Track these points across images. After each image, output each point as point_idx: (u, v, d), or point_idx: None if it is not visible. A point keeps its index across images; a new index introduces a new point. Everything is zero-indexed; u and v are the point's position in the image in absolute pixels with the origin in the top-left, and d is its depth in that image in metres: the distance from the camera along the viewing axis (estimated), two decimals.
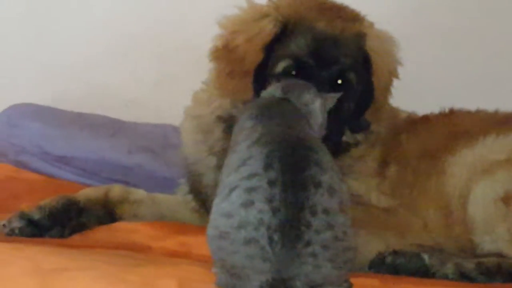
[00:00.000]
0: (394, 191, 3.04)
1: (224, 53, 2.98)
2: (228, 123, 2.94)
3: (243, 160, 2.18)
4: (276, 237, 2.03)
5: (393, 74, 3.09)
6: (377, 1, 4.20)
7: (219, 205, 2.15)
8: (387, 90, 3.08)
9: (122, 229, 2.99)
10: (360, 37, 2.99)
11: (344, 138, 2.99)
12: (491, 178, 2.88)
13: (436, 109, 3.28)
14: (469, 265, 2.68)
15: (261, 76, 2.90)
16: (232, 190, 2.12)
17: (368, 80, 3.00)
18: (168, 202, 3.30)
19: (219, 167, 2.98)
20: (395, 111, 3.26)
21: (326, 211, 2.08)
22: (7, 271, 2.24)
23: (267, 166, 2.12)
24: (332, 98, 2.61)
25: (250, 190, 2.09)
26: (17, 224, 2.84)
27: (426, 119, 3.26)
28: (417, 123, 3.23)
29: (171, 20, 4.56)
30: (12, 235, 2.82)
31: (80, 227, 2.99)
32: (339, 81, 2.92)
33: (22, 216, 2.87)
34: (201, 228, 2.59)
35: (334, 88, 2.88)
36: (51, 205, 2.95)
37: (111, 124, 4.28)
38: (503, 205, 2.82)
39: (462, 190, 2.95)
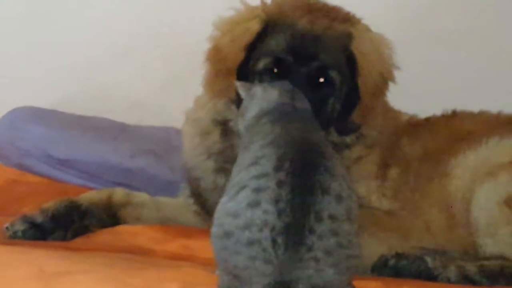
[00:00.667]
0: (396, 194, 3.04)
1: (213, 54, 3.02)
2: (224, 126, 2.97)
3: (255, 158, 2.19)
4: (280, 239, 2.04)
5: (386, 76, 3.06)
6: (377, 4, 4.21)
7: (225, 204, 2.15)
8: (376, 92, 3.04)
9: (124, 232, 2.99)
10: (346, 37, 2.98)
11: (332, 138, 2.97)
12: (494, 181, 2.88)
13: (438, 111, 3.28)
14: (472, 268, 2.68)
15: (244, 75, 2.92)
16: (240, 189, 2.12)
17: (354, 80, 2.98)
18: (171, 206, 3.30)
19: (217, 170, 3.01)
20: (396, 114, 3.26)
21: (332, 218, 2.08)
22: (10, 274, 2.25)
23: (278, 167, 2.13)
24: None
25: (258, 190, 2.09)
26: (20, 227, 2.85)
27: (428, 121, 3.26)
28: (419, 125, 3.23)
29: (176, 21, 4.55)
30: (15, 238, 2.83)
31: (83, 230, 2.99)
32: (321, 80, 2.92)
33: (25, 219, 2.87)
34: (204, 231, 2.60)
35: (316, 86, 2.89)
36: (54, 208, 2.95)
37: (114, 127, 4.28)
38: (507, 207, 2.81)
39: (465, 193, 2.94)
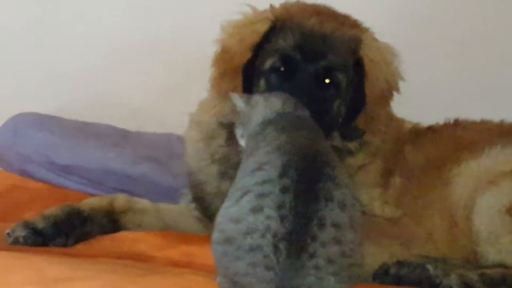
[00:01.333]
0: (398, 202, 3.04)
1: (220, 55, 3.03)
2: (230, 129, 2.96)
3: (259, 164, 2.18)
4: (281, 246, 2.03)
5: (392, 86, 3.07)
6: (379, 11, 4.21)
7: (228, 209, 2.15)
8: (382, 100, 3.05)
9: (126, 239, 2.99)
10: (354, 42, 2.99)
11: (334, 143, 2.96)
12: (496, 189, 2.88)
13: (441, 120, 3.28)
14: (473, 276, 2.68)
15: (250, 75, 2.94)
16: (244, 194, 2.12)
17: (360, 86, 2.99)
18: (172, 212, 3.30)
19: (221, 175, 3.01)
20: (400, 122, 3.26)
21: (335, 226, 2.08)
22: (11, 280, 2.24)
23: (283, 174, 2.13)
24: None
25: (261, 196, 2.09)
26: (21, 233, 2.84)
27: (431, 129, 3.26)
28: (422, 134, 3.23)
29: (177, 28, 4.56)
30: (16, 244, 2.83)
31: (84, 236, 2.99)
32: (327, 81, 2.92)
33: (26, 225, 2.87)
34: (205, 238, 2.60)
35: (322, 87, 2.90)
36: (56, 214, 2.95)
37: (116, 133, 4.28)
38: (508, 216, 2.82)
39: (467, 201, 2.94)
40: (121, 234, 3.05)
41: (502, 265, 2.77)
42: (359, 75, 2.99)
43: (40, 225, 2.89)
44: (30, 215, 3.02)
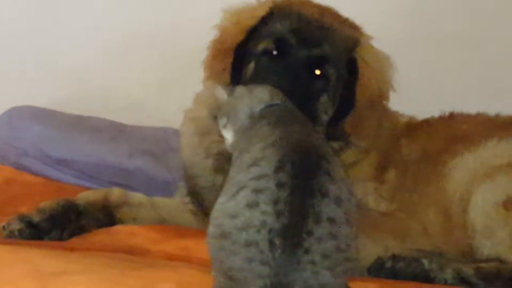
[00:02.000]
0: (393, 196, 3.03)
1: (216, 38, 3.04)
2: None
3: (255, 160, 2.18)
4: (277, 241, 2.03)
5: (383, 94, 3.06)
6: (375, 7, 4.21)
7: (224, 204, 2.15)
8: (370, 104, 3.03)
9: (121, 232, 2.99)
10: (351, 41, 2.98)
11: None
12: (492, 183, 2.88)
13: (436, 113, 3.28)
14: (469, 270, 2.68)
15: (242, 57, 2.94)
16: (240, 189, 2.12)
17: (351, 87, 2.97)
18: (168, 206, 3.30)
19: (215, 169, 3.01)
20: (394, 116, 3.25)
21: (331, 220, 2.08)
22: (6, 273, 2.25)
23: (278, 169, 2.12)
24: None
25: (257, 191, 2.09)
26: (16, 226, 2.84)
27: (426, 123, 3.26)
28: (417, 127, 3.22)
29: (174, 22, 4.55)
30: (11, 237, 2.82)
31: (80, 230, 2.99)
32: (318, 72, 2.91)
33: (22, 218, 2.87)
34: (200, 232, 2.60)
35: (312, 77, 2.89)
36: (51, 207, 2.95)
37: (112, 127, 4.28)
38: (504, 210, 2.82)
39: (462, 195, 2.94)
40: (117, 228, 3.06)
41: (497, 259, 2.77)
42: (351, 76, 2.98)
43: (36, 218, 2.88)
44: (26, 209, 3.02)
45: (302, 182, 2.11)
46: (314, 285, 2.05)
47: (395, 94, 3.09)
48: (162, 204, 3.30)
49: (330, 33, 2.94)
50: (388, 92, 3.06)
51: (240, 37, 2.97)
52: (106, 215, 3.12)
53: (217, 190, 2.70)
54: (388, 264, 2.73)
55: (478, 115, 3.25)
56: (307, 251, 2.03)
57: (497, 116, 3.23)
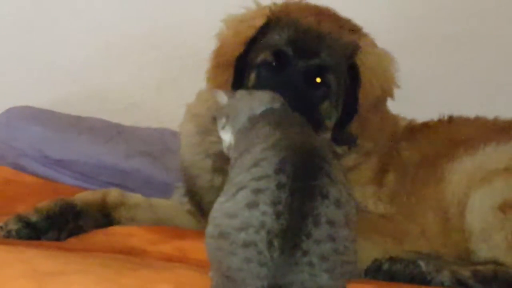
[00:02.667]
0: (392, 199, 3.03)
1: (217, 49, 3.04)
2: None
3: (256, 160, 2.17)
4: (276, 242, 2.03)
5: (386, 93, 3.06)
6: (375, 8, 4.22)
7: (223, 204, 2.14)
8: (375, 107, 3.03)
9: (118, 233, 2.99)
10: (351, 47, 2.98)
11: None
12: (489, 186, 2.88)
13: (435, 115, 3.28)
14: (466, 272, 2.69)
15: (242, 68, 2.95)
16: (239, 189, 2.11)
17: (354, 92, 2.97)
18: (165, 207, 3.30)
19: (214, 169, 3.01)
20: (395, 119, 3.25)
21: (330, 223, 2.08)
22: (3, 273, 2.24)
23: (279, 170, 2.12)
24: None
25: (257, 191, 2.08)
26: (14, 226, 2.84)
27: (426, 126, 3.26)
28: (416, 131, 3.22)
29: (172, 23, 4.56)
30: (9, 237, 2.82)
31: (77, 230, 2.99)
32: (318, 80, 2.92)
33: (19, 218, 2.87)
34: (198, 233, 2.60)
35: (312, 85, 2.89)
36: (49, 208, 2.94)
37: (110, 128, 4.28)
38: (501, 213, 2.82)
39: (460, 198, 2.95)
40: (114, 229, 3.06)
41: (494, 262, 2.77)
42: (353, 81, 2.98)
43: (33, 218, 2.88)
44: (23, 209, 3.01)
45: (303, 183, 2.11)
46: (311, 287, 2.04)
47: (395, 95, 3.09)
48: (159, 205, 3.30)
49: (329, 41, 2.94)
50: (392, 90, 3.06)
51: (240, 49, 2.98)
52: (104, 216, 3.12)
53: (216, 190, 2.71)
54: (385, 266, 2.73)
55: (477, 119, 3.25)
56: (305, 253, 2.03)
57: (496, 119, 3.23)
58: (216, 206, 2.17)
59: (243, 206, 2.08)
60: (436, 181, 3.03)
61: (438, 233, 2.96)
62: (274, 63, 2.93)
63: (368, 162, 3.06)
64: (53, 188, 3.71)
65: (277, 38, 2.94)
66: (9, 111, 4.25)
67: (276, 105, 2.52)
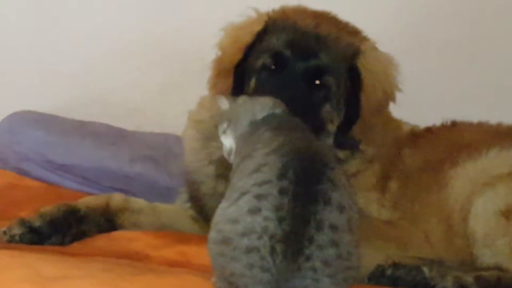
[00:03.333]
0: (395, 205, 3.03)
1: (217, 57, 3.05)
2: None
3: (258, 166, 2.18)
4: (278, 248, 2.03)
5: (389, 96, 3.06)
6: (376, 12, 4.22)
7: (225, 210, 2.15)
8: (378, 110, 3.04)
9: (121, 238, 2.99)
10: (352, 49, 2.98)
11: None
12: (492, 192, 2.88)
13: (437, 119, 3.28)
14: (469, 278, 2.68)
15: (243, 74, 2.96)
16: (242, 195, 2.12)
17: (355, 96, 2.97)
18: (168, 212, 3.30)
19: (218, 175, 3.01)
20: (398, 124, 3.25)
21: (333, 228, 2.08)
22: (7, 277, 2.24)
23: (281, 175, 2.12)
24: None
25: (259, 197, 2.09)
26: (17, 231, 2.84)
27: (429, 131, 3.26)
28: (420, 136, 3.22)
29: (174, 28, 4.56)
30: (12, 242, 2.82)
31: (80, 235, 2.99)
32: (317, 82, 2.91)
33: (23, 223, 2.87)
34: (200, 238, 2.60)
35: (312, 87, 2.89)
36: (52, 212, 2.95)
37: (113, 132, 4.28)
38: (504, 219, 2.82)
39: (463, 203, 2.94)
40: (117, 233, 3.06)
41: (497, 268, 2.77)
42: (354, 84, 2.98)
43: (37, 223, 2.88)
44: (27, 214, 3.01)
45: (305, 188, 2.11)
46: None
47: (397, 100, 3.08)
48: (162, 210, 3.30)
49: (327, 43, 2.94)
50: (394, 93, 3.06)
51: (239, 55, 2.98)
52: (107, 221, 3.12)
53: (219, 196, 2.69)
54: (389, 272, 2.73)
55: (480, 124, 3.25)
56: (308, 258, 2.03)
57: (499, 125, 3.23)
58: (218, 211, 2.17)
59: (246, 212, 2.08)
60: (439, 186, 3.03)
61: (441, 239, 2.96)
62: (273, 67, 2.93)
63: (371, 168, 3.06)
64: (56, 193, 3.71)
65: (275, 41, 2.95)
66: (12, 115, 4.25)
67: (278, 110, 2.52)
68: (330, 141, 2.96)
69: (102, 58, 4.61)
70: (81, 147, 4.08)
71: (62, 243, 2.91)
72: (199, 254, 2.67)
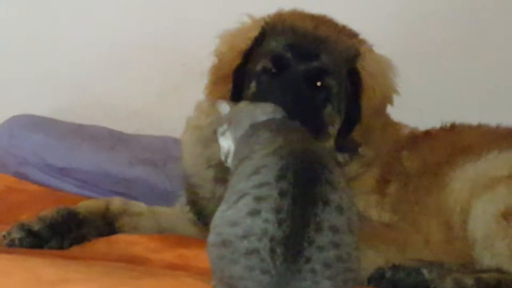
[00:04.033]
0: (395, 208, 3.03)
1: (214, 64, 3.04)
2: None
3: (256, 168, 2.18)
4: (278, 250, 2.03)
5: (387, 99, 3.06)
6: (375, 14, 4.22)
7: (225, 212, 2.15)
8: (377, 113, 3.03)
9: (121, 241, 2.99)
10: (351, 52, 2.97)
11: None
12: (492, 194, 2.88)
13: (437, 123, 3.28)
14: (469, 280, 2.68)
15: (241, 80, 2.95)
16: (241, 197, 2.12)
17: (356, 98, 2.96)
18: (168, 215, 3.30)
19: (216, 179, 3.01)
20: (397, 127, 3.24)
21: (333, 229, 2.08)
22: (7, 282, 2.24)
23: (280, 177, 2.12)
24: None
25: (259, 199, 2.09)
26: (17, 235, 2.84)
27: (428, 134, 3.26)
28: (419, 139, 3.22)
29: (174, 31, 4.57)
30: (12, 246, 2.83)
31: (80, 239, 2.99)
32: (318, 83, 2.90)
33: (22, 227, 2.87)
34: (200, 241, 2.60)
35: (313, 89, 2.88)
36: (51, 216, 2.95)
37: (112, 136, 4.28)
38: (504, 221, 2.82)
39: (463, 206, 2.95)
40: (117, 237, 3.06)
41: (497, 270, 2.77)
42: (354, 87, 2.97)
43: (36, 227, 2.88)
44: (26, 217, 3.02)
45: (304, 190, 2.11)
46: None
47: (396, 104, 3.08)
48: (162, 213, 3.30)
49: (327, 44, 2.93)
50: (392, 96, 3.06)
51: (237, 61, 2.97)
52: (106, 224, 3.12)
53: (217, 200, 2.70)
54: (388, 274, 2.72)
55: (479, 126, 3.25)
56: (308, 260, 2.03)
57: (498, 127, 3.23)
58: (217, 214, 2.18)
59: (245, 214, 2.08)
60: (438, 189, 3.03)
61: (441, 241, 2.96)
62: (273, 70, 2.91)
63: (370, 171, 3.05)
64: (55, 196, 3.71)
65: (274, 44, 2.93)
66: (11, 119, 4.25)
67: (278, 115, 2.52)
68: (330, 144, 2.95)
69: (101, 62, 4.62)
70: (80, 151, 4.08)
71: (61, 247, 2.90)
72: (199, 257, 2.67)
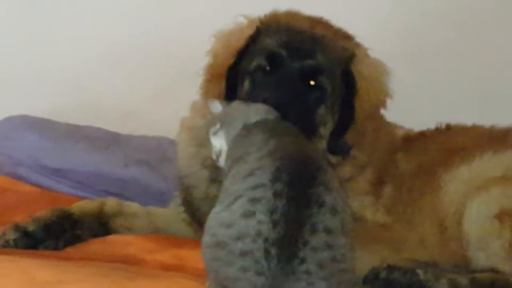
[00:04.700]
0: (390, 209, 3.03)
1: (209, 63, 3.05)
2: None
3: (251, 170, 2.18)
4: (273, 251, 2.03)
5: (380, 103, 3.05)
6: (370, 15, 4.22)
7: (219, 214, 2.15)
8: (371, 116, 3.02)
9: (116, 242, 2.99)
10: (346, 54, 2.97)
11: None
12: (486, 195, 2.89)
13: (432, 124, 3.28)
14: (463, 280, 2.69)
15: (235, 79, 2.94)
16: (235, 199, 2.12)
17: (349, 100, 2.96)
18: (163, 216, 3.29)
19: (211, 180, 3.01)
20: (392, 129, 3.24)
21: (327, 231, 2.08)
22: (1, 282, 2.24)
23: (275, 179, 2.12)
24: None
25: (253, 200, 2.09)
26: (11, 235, 2.84)
27: (422, 135, 3.26)
28: (414, 140, 3.22)
29: (168, 32, 4.57)
30: (6, 246, 2.82)
31: (75, 240, 2.98)
32: (312, 82, 2.89)
33: (17, 227, 2.86)
34: (195, 242, 2.60)
35: (307, 88, 2.88)
36: (46, 217, 2.94)
37: (107, 136, 4.28)
38: (498, 221, 2.83)
39: (457, 207, 2.95)
40: (112, 238, 3.05)
41: (492, 270, 2.77)
42: (348, 89, 2.97)
43: (31, 228, 2.88)
44: (21, 218, 3.01)
45: (299, 192, 2.11)
46: None
47: (391, 105, 3.09)
48: (157, 214, 3.29)
49: (323, 44, 2.93)
50: (385, 100, 3.05)
51: (231, 59, 2.97)
52: (101, 225, 3.12)
53: (212, 201, 2.69)
54: (383, 275, 2.73)
55: (474, 127, 3.25)
56: (302, 261, 2.04)
57: (492, 128, 3.23)
58: (212, 215, 2.18)
59: (239, 216, 2.08)
60: (433, 190, 3.03)
61: (436, 242, 2.97)
62: (268, 67, 2.91)
63: (364, 173, 3.05)
64: (50, 197, 3.70)
65: (269, 42, 2.93)
66: (6, 120, 4.24)
67: (271, 116, 2.53)
68: (322, 145, 2.95)
69: (95, 63, 4.62)
70: (75, 151, 4.08)
71: (56, 248, 2.89)
72: (194, 257, 2.67)
